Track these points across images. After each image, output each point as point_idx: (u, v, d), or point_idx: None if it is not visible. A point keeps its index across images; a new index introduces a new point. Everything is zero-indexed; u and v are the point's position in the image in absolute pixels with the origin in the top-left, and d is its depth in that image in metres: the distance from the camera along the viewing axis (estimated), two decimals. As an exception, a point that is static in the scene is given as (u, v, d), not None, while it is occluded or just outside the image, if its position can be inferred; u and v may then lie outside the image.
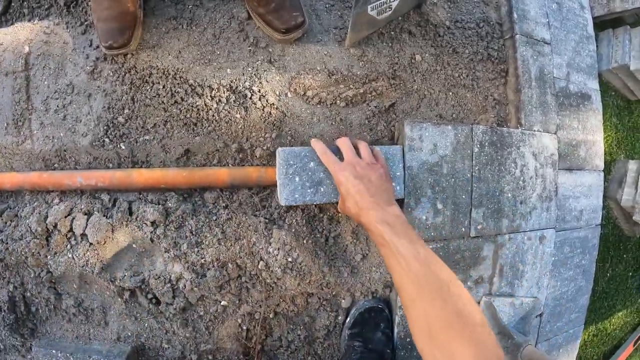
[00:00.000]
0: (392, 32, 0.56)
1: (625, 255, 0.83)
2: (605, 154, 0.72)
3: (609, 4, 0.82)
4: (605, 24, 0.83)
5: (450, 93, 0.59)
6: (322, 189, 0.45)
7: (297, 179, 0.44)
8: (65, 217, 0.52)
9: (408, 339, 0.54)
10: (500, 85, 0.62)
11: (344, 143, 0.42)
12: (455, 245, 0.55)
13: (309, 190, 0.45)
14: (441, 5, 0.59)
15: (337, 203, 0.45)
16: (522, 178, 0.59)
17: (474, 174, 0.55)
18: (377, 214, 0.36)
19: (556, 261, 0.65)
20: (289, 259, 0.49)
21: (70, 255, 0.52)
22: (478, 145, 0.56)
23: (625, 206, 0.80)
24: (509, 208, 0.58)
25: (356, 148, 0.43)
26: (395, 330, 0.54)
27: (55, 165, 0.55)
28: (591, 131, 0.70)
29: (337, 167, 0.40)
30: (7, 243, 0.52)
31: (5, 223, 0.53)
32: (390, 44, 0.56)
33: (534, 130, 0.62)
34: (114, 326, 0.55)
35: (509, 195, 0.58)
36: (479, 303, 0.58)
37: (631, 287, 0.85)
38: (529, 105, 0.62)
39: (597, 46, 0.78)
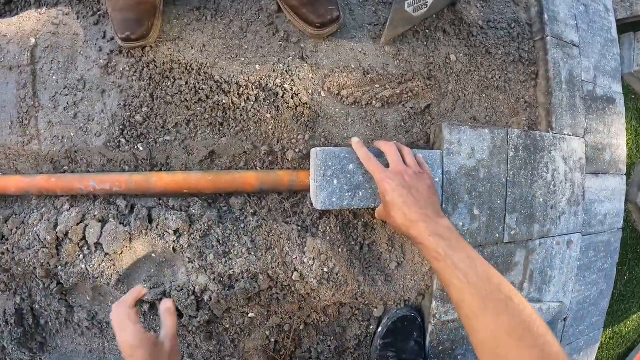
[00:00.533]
0: (427, 31, 0.52)
1: None
2: (626, 158, 0.70)
3: (632, 7, 0.80)
4: (626, 27, 0.82)
5: (484, 95, 0.56)
6: (360, 193, 0.41)
7: (335, 181, 0.41)
8: (77, 224, 0.47)
9: (440, 348, 0.52)
10: (530, 88, 0.60)
11: (390, 148, 0.39)
12: (490, 252, 0.52)
13: (347, 194, 0.41)
14: (474, 3, 0.56)
15: (374, 208, 0.41)
16: (553, 183, 0.57)
17: (508, 178, 0.52)
18: (429, 227, 0.34)
19: (581, 265, 0.64)
20: (325, 269, 0.45)
21: (83, 266, 0.46)
22: (513, 149, 0.53)
23: (643, 210, 0.79)
24: (540, 213, 0.56)
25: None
26: (428, 339, 0.51)
27: (65, 167, 0.49)
28: (615, 135, 0.68)
29: (384, 174, 0.37)
30: (14, 252, 0.46)
31: (11, 231, 0.47)
32: (425, 43, 0.52)
33: (564, 134, 0.59)
34: (132, 340, 0.50)
35: (541, 200, 0.56)
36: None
37: None
38: (560, 109, 0.59)
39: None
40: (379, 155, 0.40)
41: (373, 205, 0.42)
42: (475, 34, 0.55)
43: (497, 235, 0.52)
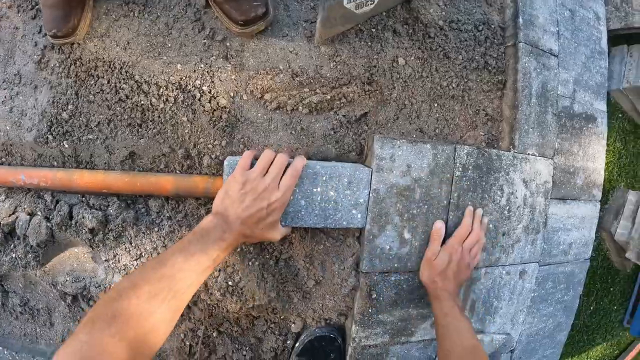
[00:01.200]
0: (373, 30, 0.42)
1: (612, 289, 0.69)
2: (604, 181, 0.56)
3: (627, 17, 0.63)
4: (619, 39, 0.65)
5: (436, 104, 0.45)
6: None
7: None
8: (9, 215, 0.43)
9: (361, 371, 0.44)
10: (495, 99, 0.48)
11: (472, 234, 0.42)
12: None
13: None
14: (435, 1, 0.44)
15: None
16: (507, 207, 0.46)
17: (451, 200, 0.42)
18: (453, 296, 0.38)
19: (535, 297, 0.52)
20: (230, 283, 0.38)
21: (13, 255, 0.43)
22: (460, 169, 0.42)
23: (619, 240, 0.65)
24: (488, 240, 0.45)
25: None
26: (348, 361, 0.43)
27: (3, 159, 0.45)
28: (592, 157, 0.54)
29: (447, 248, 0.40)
30: (-48, 237, 0.44)
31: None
32: (369, 43, 0.42)
33: (528, 154, 0.47)
34: (59, 328, 0.46)
35: (490, 226, 0.45)
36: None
37: (614, 320, 0.71)
38: (526, 125, 0.47)
39: (609, 63, 0.61)
40: None
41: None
42: (432, 35, 0.44)
43: (434, 260, 0.42)
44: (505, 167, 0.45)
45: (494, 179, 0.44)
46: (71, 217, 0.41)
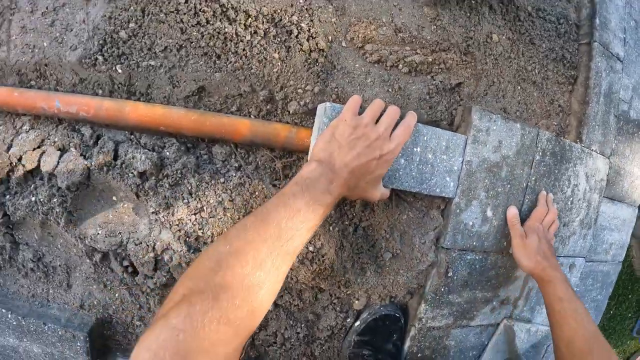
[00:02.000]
0: (473, 1, 0.41)
1: (630, 296, 0.74)
2: None
3: None
4: None
5: (519, 87, 0.45)
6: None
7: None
8: (34, 149, 0.35)
9: (419, 355, 0.42)
10: (566, 92, 0.49)
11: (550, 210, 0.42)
12: (493, 260, 0.42)
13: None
14: (526, -15, 0.44)
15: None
16: (571, 199, 0.47)
17: (529, 184, 0.42)
18: (563, 276, 0.38)
19: (577, 292, 0.54)
20: (311, 249, 0.34)
21: (32, 199, 0.35)
22: (540, 153, 0.42)
23: (641, 247, 0.70)
24: (553, 229, 0.46)
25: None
26: (407, 343, 0.41)
27: (32, 82, 0.37)
28: (638, 163, 0.58)
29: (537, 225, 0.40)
30: (-46, 169, 0.35)
31: (-45, 144, 0.36)
32: (468, 14, 0.41)
33: (592, 150, 0.49)
34: (78, 290, 0.39)
35: (556, 215, 0.46)
36: (498, 325, 0.47)
37: (626, 328, 0.76)
38: (593, 122, 0.49)
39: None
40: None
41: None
42: (522, 19, 0.44)
43: (505, 244, 0.42)
44: (574, 158, 0.46)
45: (564, 169, 0.45)
46: (116, 157, 0.35)
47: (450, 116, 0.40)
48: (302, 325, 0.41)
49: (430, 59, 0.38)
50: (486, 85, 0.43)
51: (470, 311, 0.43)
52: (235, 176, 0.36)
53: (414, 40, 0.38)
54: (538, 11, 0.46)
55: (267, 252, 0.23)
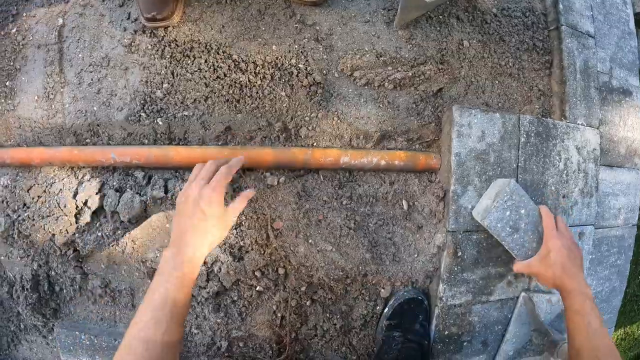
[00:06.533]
0: (440, 17, 0.55)
1: None
2: (642, 152, 0.71)
3: None
4: None
5: (497, 81, 0.58)
6: (516, 236, 0.47)
7: (507, 212, 0.46)
8: (96, 193, 0.50)
9: (446, 332, 0.53)
10: (544, 77, 0.61)
11: (548, 215, 0.47)
12: (496, 239, 0.53)
13: (507, 229, 0.46)
14: (488, -9, 0.58)
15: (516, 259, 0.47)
16: (565, 172, 0.58)
17: (519, 164, 0.54)
18: (582, 286, 0.42)
19: (593, 259, 0.64)
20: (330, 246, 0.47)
21: (99, 234, 0.50)
22: (525, 135, 0.55)
23: (659, 207, 0.79)
24: (551, 201, 0.57)
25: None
26: (434, 322, 0.52)
27: (87, 140, 0.53)
28: (632, 128, 0.69)
29: (554, 233, 0.45)
30: (34, 219, 0.50)
31: (33, 199, 0.51)
32: (438, 28, 0.55)
33: (578, 124, 0.61)
34: (143, 309, 0.53)
35: (553, 188, 0.57)
36: (517, 298, 0.57)
37: None
38: (573, 98, 0.61)
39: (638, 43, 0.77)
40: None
41: (515, 252, 0.47)
42: (488, 21, 0.58)
43: (507, 221, 0.54)
44: (560, 135, 0.58)
45: (552, 145, 0.57)
46: (167, 191, 0.49)
47: (437, 118, 0.53)
48: (338, 317, 0.53)
49: (411, 74, 0.52)
50: (465, 86, 0.56)
51: (487, 287, 0.54)
52: (264, 194, 0.50)
53: (394, 60, 0.52)
54: (503, 10, 0.59)
55: None
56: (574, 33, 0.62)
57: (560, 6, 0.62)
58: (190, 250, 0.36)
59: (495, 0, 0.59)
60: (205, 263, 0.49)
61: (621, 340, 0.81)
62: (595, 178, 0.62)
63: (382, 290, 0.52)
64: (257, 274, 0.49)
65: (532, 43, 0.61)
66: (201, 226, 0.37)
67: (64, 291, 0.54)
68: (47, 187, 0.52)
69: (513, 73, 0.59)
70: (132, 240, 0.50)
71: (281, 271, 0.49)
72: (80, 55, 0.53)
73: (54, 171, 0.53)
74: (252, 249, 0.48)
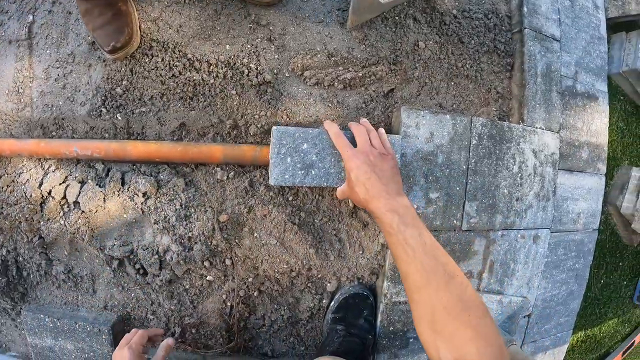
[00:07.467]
0: (397, 17, 0.53)
1: (620, 264, 0.80)
2: (609, 158, 0.68)
3: (624, 6, 0.77)
4: (619, 26, 0.79)
5: (453, 83, 0.56)
6: (313, 172, 0.43)
7: (288, 159, 0.42)
8: (60, 184, 0.51)
9: (391, 328, 0.52)
10: (504, 79, 0.59)
11: (359, 129, 0.40)
12: (446, 237, 0.52)
13: (299, 172, 0.43)
14: (449, -7, 0.56)
15: (329, 187, 0.43)
16: (519, 175, 0.57)
17: (470, 166, 0.53)
18: (388, 203, 0.35)
19: (549, 262, 0.63)
20: (277, 237, 0.47)
21: (62, 222, 0.51)
22: (476, 138, 0.53)
23: (625, 213, 0.76)
24: (504, 204, 0.56)
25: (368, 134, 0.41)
26: (379, 318, 0.52)
27: (53, 133, 0.54)
28: (596, 133, 0.66)
29: (350, 152, 0.38)
30: (2, 208, 0.51)
31: (2, 188, 0.52)
32: (393, 29, 0.53)
33: (536, 127, 0.59)
34: (102, 294, 0.54)
35: (505, 191, 0.55)
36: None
37: (624, 296, 0.81)
38: (533, 102, 0.59)
39: (608, 48, 0.74)
40: (351, 138, 0.41)
41: (325, 184, 0.43)
42: (447, 22, 0.56)
43: (455, 221, 0.52)
44: (516, 138, 0.56)
45: (506, 148, 0.55)
46: (124, 183, 0.50)
47: (387, 118, 0.52)
48: (285, 308, 0.53)
49: (361, 74, 0.51)
50: (418, 87, 0.54)
51: (433, 285, 0.53)
52: (213, 188, 0.50)
53: (345, 60, 0.50)
54: (463, 12, 0.57)
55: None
56: (537, 36, 0.60)
57: (525, 9, 0.60)
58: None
59: (456, 2, 0.57)
60: (157, 252, 0.49)
61: (582, 342, 0.79)
62: (553, 182, 0.60)
63: (329, 284, 0.52)
64: (206, 264, 0.49)
65: (493, 45, 0.58)
66: None
67: (31, 276, 0.56)
68: (15, 177, 0.53)
69: (470, 75, 0.57)
70: (92, 229, 0.51)
71: (228, 262, 0.50)
72: (48, 51, 0.53)
73: (22, 162, 0.54)
74: (199, 241, 0.49)
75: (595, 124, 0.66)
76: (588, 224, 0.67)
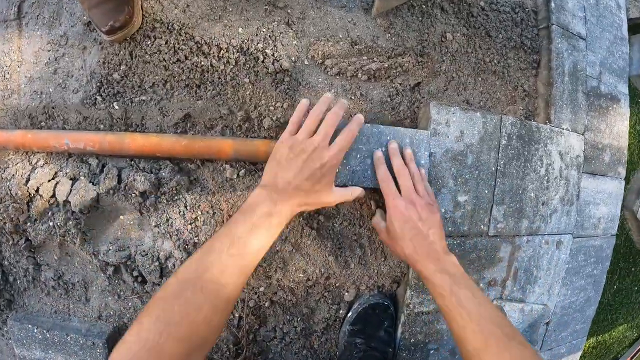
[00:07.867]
0: (424, 6, 0.48)
1: (633, 269, 0.78)
2: (626, 162, 0.65)
3: None
4: (637, 27, 0.76)
5: (480, 78, 0.51)
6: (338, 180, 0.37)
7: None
8: (49, 181, 0.44)
9: (412, 340, 0.48)
10: (530, 77, 0.55)
11: (403, 171, 0.36)
12: (472, 243, 0.48)
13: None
14: (477, -17, 0.51)
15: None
16: (546, 178, 0.53)
17: (499, 167, 0.48)
18: (438, 264, 0.33)
19: (569, 269, 0.59)
20: (295, 243, 0.42)
21: (50, 224, 0.44)
22: (506, 138, 0.49)
23: (640, 218, 0.74)
24: (530, 208, 0.52)
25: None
26: (400, 330, 0.47)
27: (42, 123, 0.47)
28: (617, 136, 0.63)
29: (397, 201, 0.35)
30: (-17, 205, 0.45)
31: (-17, 183, 0.45)
32: (420, 19, 0.48)
33: (562, 129, 0.55)
34: (95, 303, 0.48)
35: (532, 194, 0.51)
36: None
37: (635, 301, 0.79)
38: (560, 101, 0.55)
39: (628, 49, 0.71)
40: (386, 157, 0.36)
41: (350, 183, 0.38)
42: (475, 14, 0.51)
43: (482, 226, 0.48)
44: (543, 139, 0.52)
45: (534, 150, 0.51)
46: (120, 181, 0.44)
47: (413, 114, 0.47)
48: (298, 319, 0.48)
49: (387, 65, 0.45)
50: (446, 81, 0.49)
51: (456, 294, 0.49)
52: (221, 188, 0.44)
53: (370, 50, 0.45)
54: (491, 4, 0.53)
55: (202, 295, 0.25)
56: (564, 33, 0.56)
57: (552, 4, 0.56)
58: (298, 201, 0.31)
59: (484, -6, 0.52)
60: (158, 259, 0.43)
61: (592, 348, 0.77)
62: (577, 186, 0.57)
63: (346, 293, 0.47)
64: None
65: (520, 41, 0.54)
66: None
67: (18, 282, 0.49)
68: (0, 172, 0.46)
69: (497, 71, 0.52)
70: (84, 232, 0.44)
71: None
72: (39, 32, 0.46)
73: (7, 155, 0.47)
74: (206, 246, 0.43)
75: (617, 127, 0.63)
76: (607, 229, 0.64)
